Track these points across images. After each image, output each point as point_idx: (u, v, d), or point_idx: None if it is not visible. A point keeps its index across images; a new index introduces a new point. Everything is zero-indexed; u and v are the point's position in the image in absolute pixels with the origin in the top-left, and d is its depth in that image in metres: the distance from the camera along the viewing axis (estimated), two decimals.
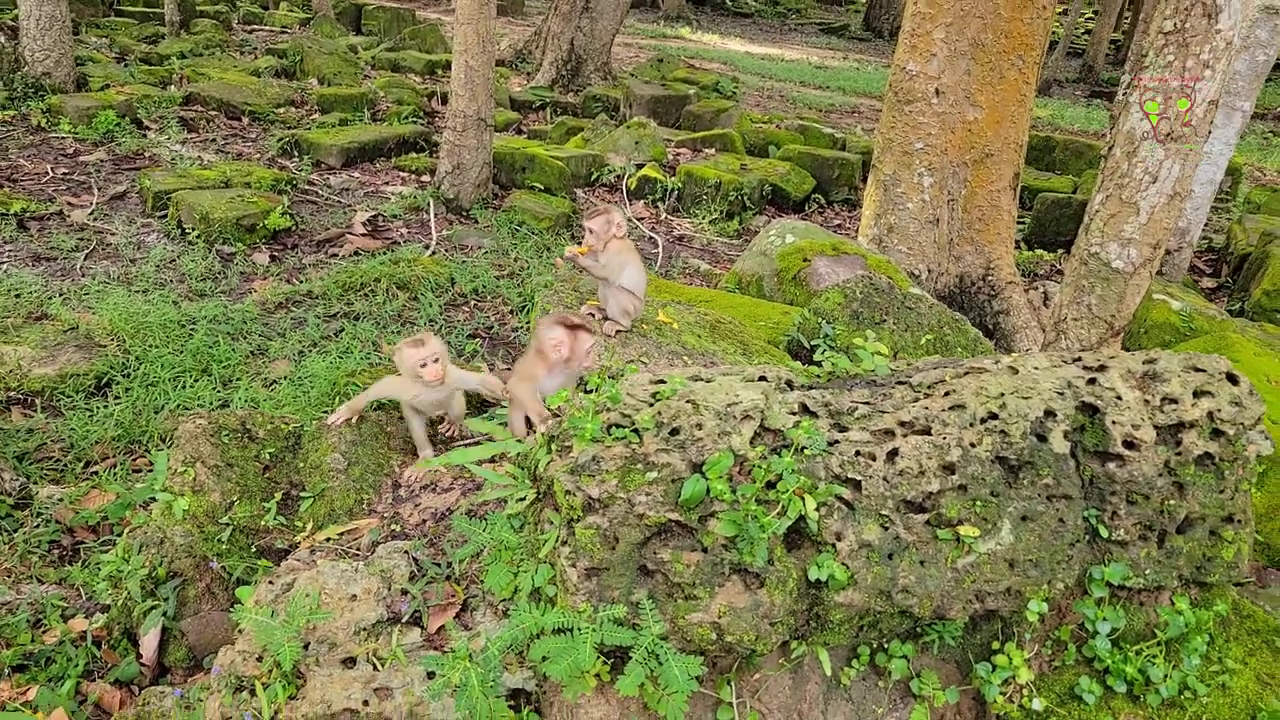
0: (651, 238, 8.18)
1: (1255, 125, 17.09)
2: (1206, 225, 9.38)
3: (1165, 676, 2.19)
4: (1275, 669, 2.27)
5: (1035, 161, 11.46)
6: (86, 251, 6.31)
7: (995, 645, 2.29)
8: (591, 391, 2.29)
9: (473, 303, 6.34)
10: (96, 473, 3.99)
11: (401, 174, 9.07)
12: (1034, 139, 11.74)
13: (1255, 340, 6.23)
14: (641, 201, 9.15)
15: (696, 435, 2.05)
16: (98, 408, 4.38)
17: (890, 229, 6.35)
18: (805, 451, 2.09)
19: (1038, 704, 2.21)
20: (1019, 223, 9.07)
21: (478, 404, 4.82)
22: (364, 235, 7.39)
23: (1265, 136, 15.94)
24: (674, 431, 2.05)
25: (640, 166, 9.49)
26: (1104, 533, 2.22)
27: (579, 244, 3.86)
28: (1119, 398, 2.25)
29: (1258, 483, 4.26)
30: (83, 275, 5.95)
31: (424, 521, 2.80)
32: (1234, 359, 5.15)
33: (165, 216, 6.97)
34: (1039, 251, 8.72)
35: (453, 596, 2.46)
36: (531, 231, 7.69)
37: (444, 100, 11.43)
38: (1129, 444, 2.21)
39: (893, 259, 6.05)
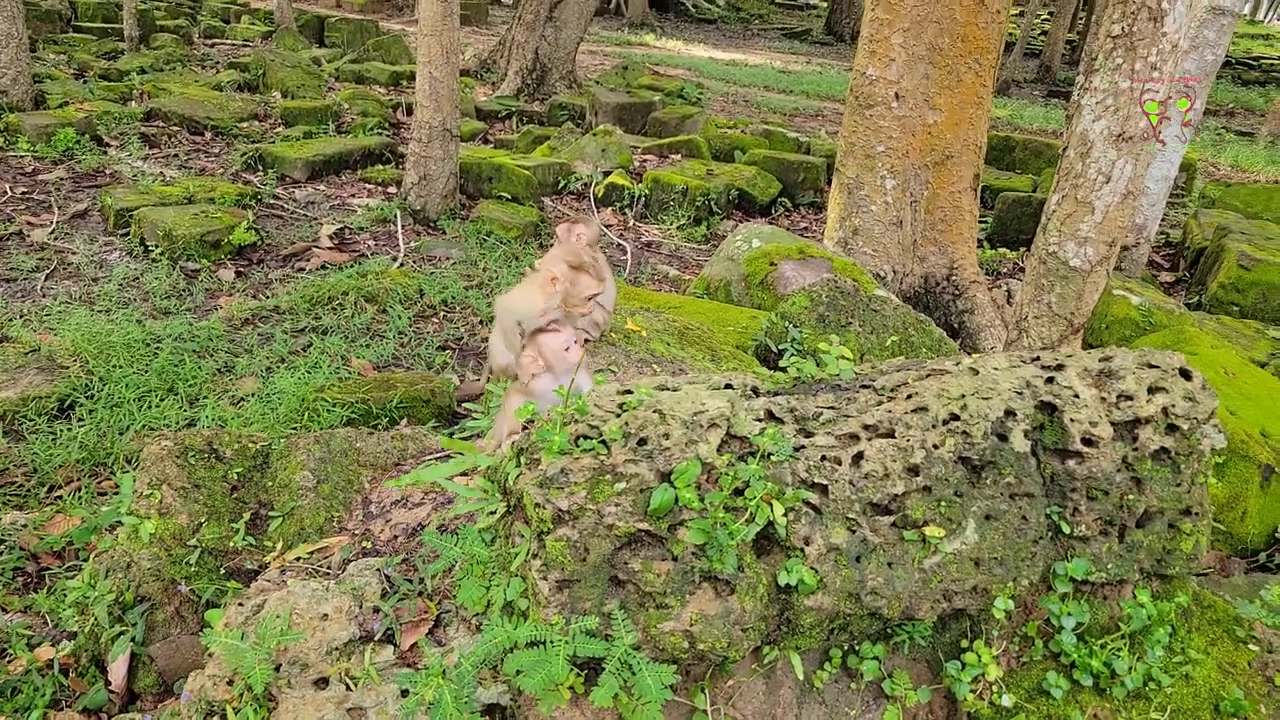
0: (620, 245, 8.20)
1: (1208, 121, 17.48)
2: (1163, 221, 9.58)
3: (1130, 669, 2.23)
4: (1236, 658, 2.33)
5: (995, 161, 11.64)
6: (47, 271, 6.21)
7: (964, 643, 2.33)
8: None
9: (442, 314, 6.33)
10: (61, 497, 3.93)
11: (368, 186, 9.02)
12: (993, 139, 11.92)
13: (1212, 333, 6.38)
14: (609, 209, 9.17)
15: (664, 445, 2.06)
16: (61, 430, 4.31)
17: (855, 231, 6.42)
18: (772, 458, 2.11)
19: (1007, 700, 2.24)
20: (981, 222, 9.20)
21: (449, 416, 4.81)
22: (331, 248, 7.34)
23: (1218, 132, 16.30)
24: (641, 441, 2.07)
25: (607, 174, 9.52)
26: (1066, 529, 2.27)
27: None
28: (1077, 396, 2.29)
29: (1219, 473, 4.36)
30: (44, 296, 5.86)
31: (395, 538, 2.79)
32: (1192, 352, 5.26)
33: (128, 234, 6.88)
34: (1001, 250, 8.86)
35: (425, 613, 2.45)
36: (500, 241, 7.69)
37: (409, 111, 11.39)
38: (1087, 441, 2.26)
39: (858, 261, 6.12)
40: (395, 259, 7.19)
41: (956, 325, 6.46)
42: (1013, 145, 11.83)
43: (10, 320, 5.37)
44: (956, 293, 6.49)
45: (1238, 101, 21.42)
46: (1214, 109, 19.46)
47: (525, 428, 2.32)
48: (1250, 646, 2.34)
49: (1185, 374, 2.36)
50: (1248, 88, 24.14)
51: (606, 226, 8.71)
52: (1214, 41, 6.88)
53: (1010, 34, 21.64)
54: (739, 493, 2.09)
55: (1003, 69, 21.39)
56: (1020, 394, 2.29)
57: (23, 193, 7.61)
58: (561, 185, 9.43)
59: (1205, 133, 15.99)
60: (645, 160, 10.55)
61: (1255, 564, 4.34)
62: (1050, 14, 27.85)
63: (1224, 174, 13.00)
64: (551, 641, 1.97)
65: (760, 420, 2.22)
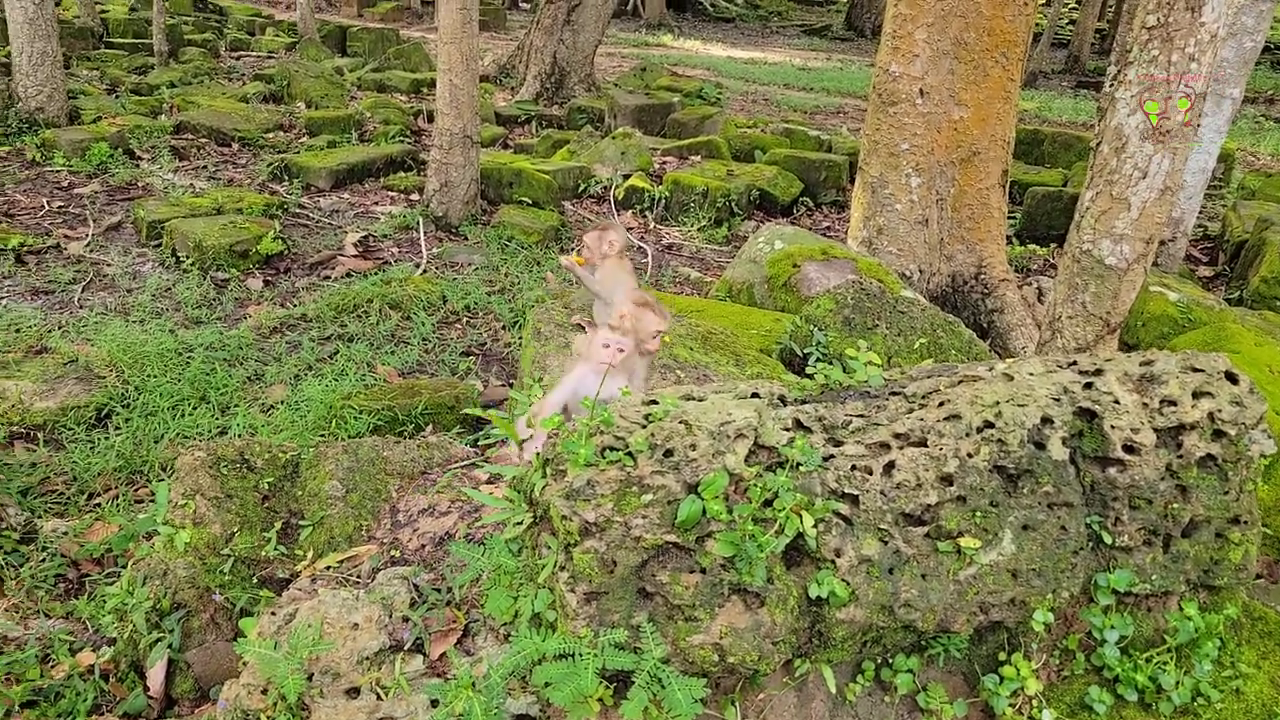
0: (641, 247, 8.18)
1: (1246, 110, 17.11)
2: (1201, 213, 9.38)
3: (1177, 683, 2.16)
4: None
5: (1024, 155, 11.47)
6: (84, 283, 6.32)
7: (1002, 656, 2.27)
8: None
9: (465, 320, 6.34)
10: (99, 504, 3.99)
11: (391, 194, 9.07)
12: (1022, 132, 11.76)
13: (1255, 329, 6.22)
14: (629, 211, 9.15)
15: (690, 456, 2.03)
16: (99, 439, 4.38)
17: (880, 231, 6.34)
18: (801, 468, 2.08)
19: (1047, 715, 2.19)
20: (1010, 218, 9.06)
21: (473, 422, 4.81)
22: (355, 256, 7.39)
23: (1257, 121, 15.96)
24: (668, 453, 2.04)
25: (627, 177, 9.50)
26: (1107, 539, 2.21)
27: (573, 253, 3.85)
28: (1117, 401, 2.23)
29: (1266, 475, 4.25)
30: (81, 307, 5.95)
31: (423, 546, 2.79)
32: (1233, 350, 5.13)
33: (160, 245, 6.98)
34: (1031, 246, 8.72)
35: (454, 622, 2.44)
36: (521, 246, 7.69)
37: (430, 118, 11.45)
38: (1129, 448, 2.19)
39: (883, 261, 6.04)
40: (418, 266, 7.22)
41: (986, 325, 6.37)
42: (1041, 139, 11.66)
43: (49, 331, 5.45)
44: (985, 291, 6.39)
45: (1278, 87, 20.95)
46: (1253, 96, 19.05)
47: (550, 438, 2.30)
48: None
49: (1231, 377, 2.29)
50: None
51: (627, 229, 8.69)
52: (1253, 28, 6.73)
53: (1037, 24, 21.35)
54: (768, 504, 2.05)
55: (1030, 60, 21.11)
56: (1058, 400, 2.23)
57: (59, 207, 7.75)
58: (582, 189, 9.42)
59: (1244, 120, 15.65)
60: (665, 162, 10.52)
61: None
62: (1078, 3, 27.43)
63: (1264, 164, 12.72)
64: (580, 654, 1.95)
65: (788, 430, 2.18)
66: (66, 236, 7.11)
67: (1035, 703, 2.21)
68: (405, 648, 2.33)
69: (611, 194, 9.29)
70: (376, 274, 6.88)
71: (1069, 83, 21.18)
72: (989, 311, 6.39)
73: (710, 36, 27.08)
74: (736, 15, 32.43)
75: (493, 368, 5.74)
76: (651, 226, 8.90)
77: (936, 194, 6.29)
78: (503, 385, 5.40)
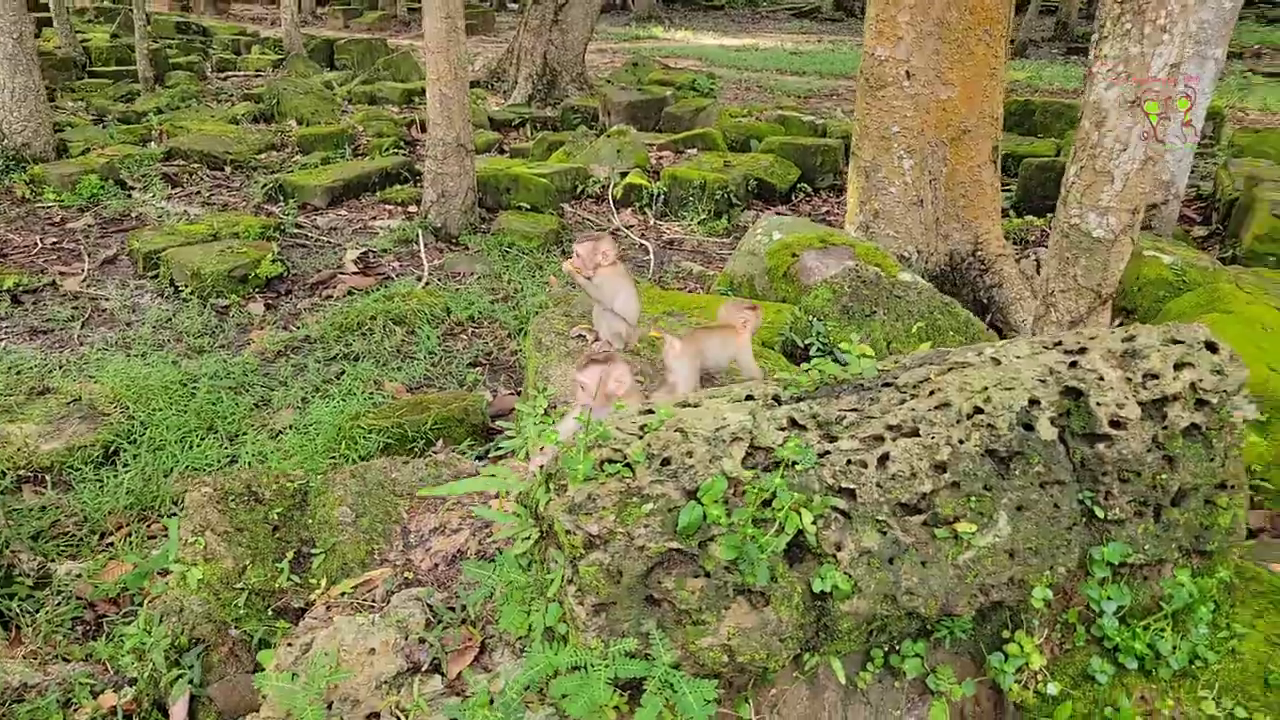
0: (642, 244, 8.21)
1: (1234, 65, 17.01)
2: (1193, 173, 9.36)
3: (1174, 648, 2.21)
4: None
5: (1016, 126, 11.45)
6: (83, 320, 6.37)
7: (1006, 634, 2.32)
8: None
9: (470, 330, 6.39)
10: (112, 543, 4.04)
11: (388, 207, 9.12)
12: (1012, 103, 11.73)
13: (1250, 286, 6.22)
14: (629, 209, 9.18)
15: (688, 463, 2.08)
16: (108, 477, 4.43)
17: (876, 214, 6.37)
18: (797, 467, 2.12)
19: (1052, 688, 2.23)
20: (1005, 190, 9.07)
21: (484, 433, 4.87)
22: (356, 273, 7.45)
23: (1244, 76, 15.87)
24: (665, 461, 2.09)
25: (624, 174, 9.52)
26: (1100, 513, 2.25)
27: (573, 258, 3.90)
28: (1101, 378, 2.27)
29: (1264, 431, 4.28)
30: (81, 344, 6.01)
31: (436, 566, 2.84)
32: (1226, 310, 5.15)
33: (157, 276, 7.03)
34: (1029, 218, 8.72)
35: (470, 640, 2.49)
36: (522, 252, 7.74)
37: (423, 128, 11.48)
38: (1115, 423, 2.23)
39: (881, 244, 6.06)
40: (420, 279, 7.27)
41: (986, 300, 6.39)
42: (1033, 109, 11.64)
43: (51, 371, 5.51)
44: (983, 268, 6.41)
45: (1264, 41, 20.82)
46: (1239, 51, 18.93)
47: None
48: None
49: (1211, 346, 2.33)
50: (1273, 25, 23.46)
51: (627, 227, 8.73)
52: None
53: None
54: (766, 504, 2.10)
55: (1019, 29, 21.01)
56: (1044, 381, 2.27)
57: (53, 243, 7.81)
58: (580, 190, 9.45)
59: (1232, 77, 15.57)
60: (661, 157, 10.54)
61: None
62: None
63: (1253, 119, 12.67)
64: (592, 665, 2.00)
65: (783, 429, 2.22)
66: (62, 273, 7.17)
67: (1040, 677, 2.26)
68: (423, 669, 2.39)
69: (610, 193, 9.32)
70: (378, 290, 6.93)
71: (1058, 49, 21.09)
72: (988, 287, 6.41)
73: (701, 26, 27.03)
74: (726, 3, 32.35)
75: (500, 377, 5.79)
76: (651, 223, 8.93)
77: (929, 174, 6.30)
78: (511, 394, 5.45)
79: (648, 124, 12.42)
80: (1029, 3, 21.87)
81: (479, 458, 4.07)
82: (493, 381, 5.70)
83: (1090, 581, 2.28)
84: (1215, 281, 5.94)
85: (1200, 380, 2.25)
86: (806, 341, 4.35)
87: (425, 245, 7.91)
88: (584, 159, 10.07)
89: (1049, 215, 8.67)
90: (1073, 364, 2.32)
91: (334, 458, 4.46)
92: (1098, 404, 2.24)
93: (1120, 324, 6.27)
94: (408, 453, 4.48)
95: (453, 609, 2.57)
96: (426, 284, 7.17)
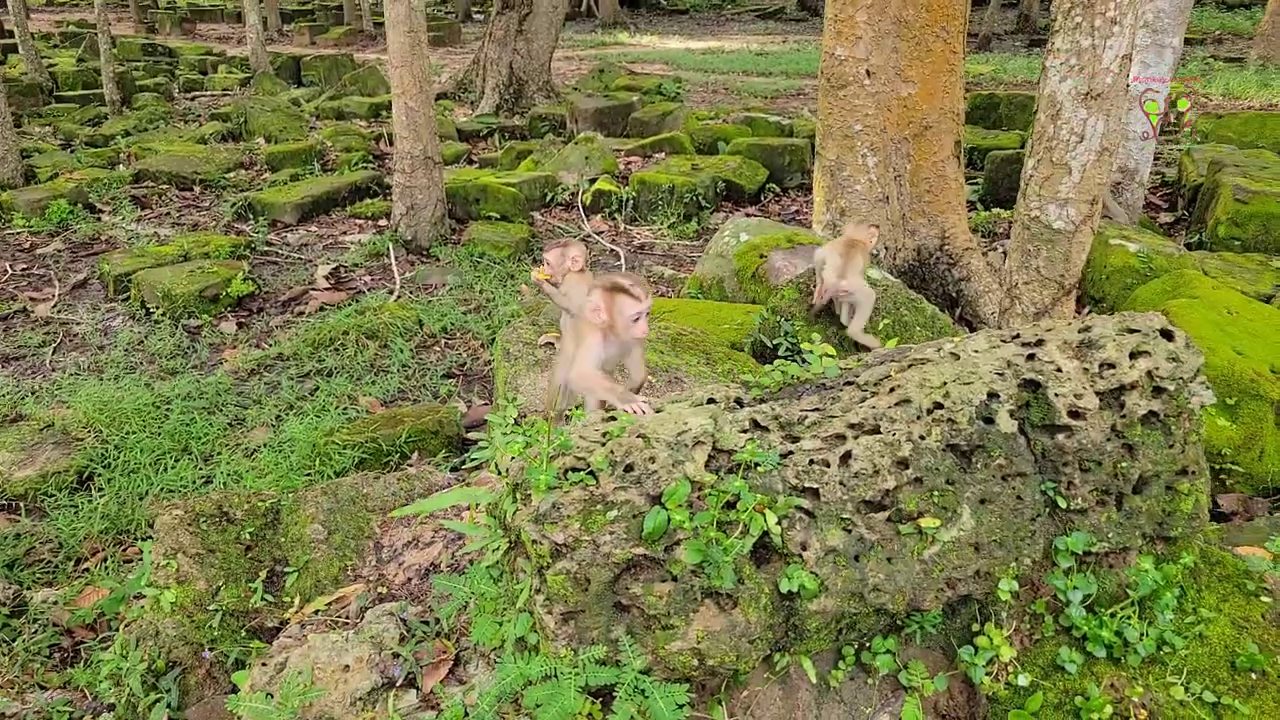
0: (613, 250, 8.23)
1: (1195, 52, 17.27)
2: (1159, 159, 9.49)
3: (1142, 635, 2.24)
4: (1249, 612, 2.33)
5: (980, 120, 11.57)
6: (54, 345, 6.32)
7: (975, 627, 2.34)
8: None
9: (443, 342, 6.38)
10: (88, 569, 4.01)
11: (359, 221, 9.09)
12: (977, 97, 11.86)
13: (1216, 270, 6.32)
14: (599, 215, 9.20)
15: (651, 468, 2.09)
16: (82, 503, 4.39)
17: (843, 212, 6.41)
18: (759, 468, 2.14)
19: (1023, 679, 2.26)
20: (972, 183, 9.16)
21: (459, 444, 4.86)
22: (328, 289, 7.41)
23: (1206, 62, 16.10)
24: (629, 468, 2.10)
25: (593, 181, 9.54)
26: (1063, 503, 2.27)
27: (541, 266, 3.90)
28: (1059, 370, 2.30)
29: (1232, 415, 4.34)
30: (53, 370, 5.96)
31: (409, 580, 2.84)
32: (1193, 295, 5.23)
33: (128, 299, 6.98)
34: (996, 210, 8.80)
35: (444, 653, 2.49)
36: (493, 262, 7.73)
37: (391, 141, 11.46)
38: (1074, 413, 2.26)
39: None
40: (392, 292, 7.25)
41: (955, 294, 6.44)
42: (997, 102, 11.75)
43: (23, 398, 5.46)
44: (951, 262, 6.47)
45: (1224, 27, 21.14)
46: (1199, 38, 19.22)
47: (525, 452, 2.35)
48: (1262, 599, 2.33)
49: (1167, 334, 2.36)
50: (1233, 11, 23.83)
51: (598, 233, 8.74)
52: None
53: None
54: (731, 506, 2.11)
55: (981, 24, 21.24)
56: (1001, 375, 2.30)
57: (22, 269, 7.73)
58: (549, 198, 9.46)
59: (1194, 63, 15.80)
60: (629, 162, 10.57)
61: (1279, 503, 4.32)
62: None
63: (1216, 104, 12.85)
64: (562, 674, 2.00)
65: (746, 431, 2.24)
66: (33, 299, 7.10)
67: (1011, 668, 2.28)
68: (398, 684, 2.38)
69: (579, 200, 9.33)
70: (350, 305, 6.90)
71: (1021, 42, 21.31)
72: (956, 281, 6.47)
73: (666, 30, 27.11)
74: (690, 6, 32.47)
75: (474, 387, 5.78)
76: (622, 228, 8.95)
77: (893, 171, 6.35)
78: (485, 404, 5.44)
79: (615, 130, 12.45)
80: None
81: (453, 469, 4.06)
82: (467, 392, 5.70)
83: (1056, 572, 2.31)
84: (1181, 267, 6.03)
85: (1157, 368, 2.28)
86: (775, 341, 4.37)
87: (396, 258, 7.89)
88: (552, 167, 10.08)
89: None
90: (1030, 356, 2.35)
91: (309, 475, 4.44)
92: (1056, 395, 2.27)
93: (1089, 312, 6.35)
94: (383, 467, 4.47)
95: (426, 623, 2.57)
96: (398, 297, 7.14)
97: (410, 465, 4.34)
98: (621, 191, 9.19)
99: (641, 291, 2.73)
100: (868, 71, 6.05)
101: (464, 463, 4.15)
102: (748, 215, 9.10)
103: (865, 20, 5.92)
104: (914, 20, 5.94)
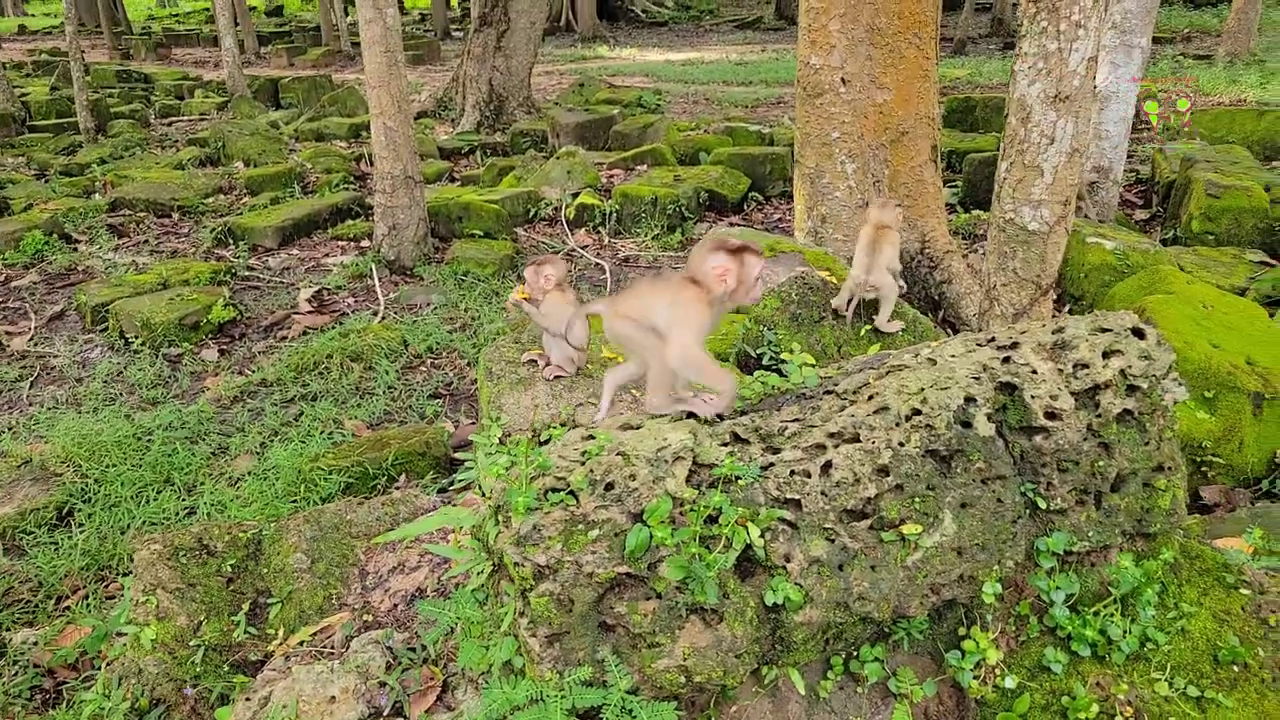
0: (598, 264, 8.23)
1: (1166, 50, 17.47)
2: (1132, 157, 9.58)
3: (1125, 633, 2.24)
4: (1229, 604, 2.34)
5: (958, 124, 11.66)
6: (31, 379, 6.25)
7: (962, 631, 2.34)
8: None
9: (429, 362, 6.35)
10: (69, 607, 3.95)
11: (341, 243, 9.06)
12: (953, 101, 11.95)
13: (1191, 264, 6.39)
14: (583, 229, 9.20)
15: (631, 486, 2.08)
16: (62, 539, 4.33)
17: (823, 220, 6.44)
18: (740, 481, 2.13)
19: (1010, 682, 2.26)
20: (951, 187, 9.23)
21: (447, 465, 4.83)
22: (311, 312, 7.38)
23: (1177, 60, 16.29)
24: (609, 486, 2.09)
25: (576, 195, 9.55)
26: (1042, 504, 2.28)
27: (518, 286, 3.91)
28: (1034, 372, 2.31)
29: (1211, 407, 4.38)
30: (30, 405, 5.89)
31: (395, 606, 2.82)
32: (1168, 291, 5.28)
33: (106, 329, 6.91)
34: (975, 212, 8.86)
35: (431, 680, 2.47)
36: (478, 279, 7.72)
37: (372, 161, 11.45)
38: (1050, 415, 2.27)
39: (830, 249, 6.13)
40: (376, 313, 7.23)
41: (937, 297, 6.48)
42: (973, 105, 11.85)
43: None
44: (932, 265, 6.50)
45: (1192, 25, 21.40)
46: (1168, 36, 19.45)
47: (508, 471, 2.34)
48: (1242, 591, 2.35)
49: (1138, 333, 2.38)
50: (1200, 10, 24.14)
51: (582, 247, 8.74)
52: None
53: None
54: (713, 520, 2.11)
55: (956, 28, 21.43)
56: (978, 379, 2.31)
57: None
58: (532, 213, 9.46)
59: (1165, 61, 15.98)
60: (612, 175, 10.59)
61: (1260, 493, 4.35)
62: None
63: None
64: (549, 696, 1.99)
65: (726, 444, 2.24)
66: (8, 333, 7.03)
67: (998, 671, 2.28)
68: (385, 713, 2.36)
69: (562, 215, 9.34)
70: (334, 328, 6.87)
71: (996, 44, 21.51)
72: (938, 284, 6.50)
73: (646, 42, 27.22)
74: (669, 18, 32.63)
75: (461, 407, 5.76)
76: (606, 242, 8.95)
77: (872, 177, 6.39)
78: (472, 423, 5.42)
79: (596, 143, 12.48)
80: (963, 1, 22.31)
81: (440, 491, 4.04)
82: (454, 412, 5.67)
83: (1039, 572, 2.31)
84: (1157, 263, 6.09)
85: (1129, 366, 2.30)
86: (759, 351, 4.38)
87: (379, 279, 7.87)
88: (535, 182, 10.09)
89: None
90: (1006, 359, 2.36)
91: (294, 502, 4.41)
92: (1032, 397, 2.28)
93: (1069, 311, 6.40)
94: (370, 491, 4.44)
95: (413, 649, 2.55)
96: (383, 318, 7.12)
97: (397, 488, 4.31)
98: (605, 205, 9.20)
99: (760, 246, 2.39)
100: (843, 79, 6.09)
101: (451, 484, 4.13)
102: (731, 225, 9.15)
103: (838, 29, 5.97)
104: (886, 28, 5.99)
